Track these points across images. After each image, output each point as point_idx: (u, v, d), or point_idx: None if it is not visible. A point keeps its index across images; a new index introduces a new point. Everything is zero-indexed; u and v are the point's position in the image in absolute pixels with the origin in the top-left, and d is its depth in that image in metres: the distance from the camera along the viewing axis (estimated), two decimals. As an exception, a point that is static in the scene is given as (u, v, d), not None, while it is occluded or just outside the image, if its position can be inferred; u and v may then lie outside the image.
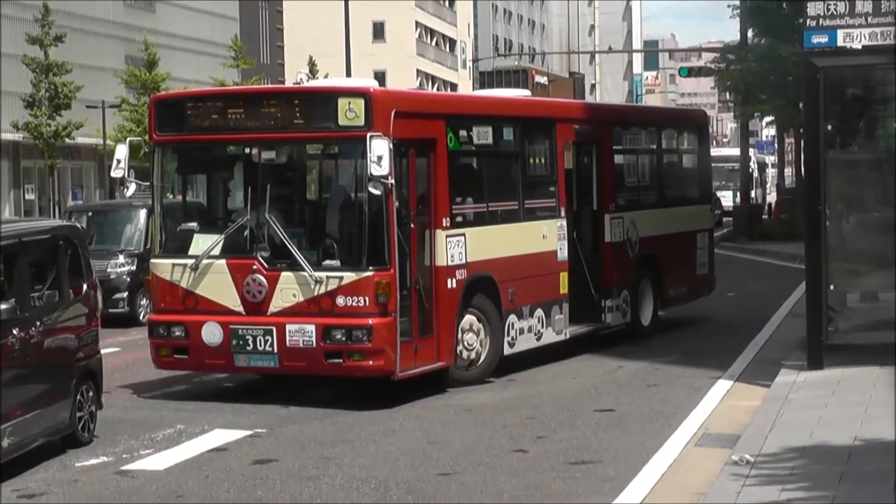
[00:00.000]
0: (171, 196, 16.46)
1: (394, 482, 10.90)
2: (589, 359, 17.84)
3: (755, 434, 11.54)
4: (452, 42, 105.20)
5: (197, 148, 15.84)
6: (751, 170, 51.70)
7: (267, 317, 14.58)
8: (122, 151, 15.41)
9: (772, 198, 61.47)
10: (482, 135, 16.53)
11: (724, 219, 47.26)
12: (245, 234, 14.95)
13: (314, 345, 14.37)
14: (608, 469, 11.19)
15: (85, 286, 13.09)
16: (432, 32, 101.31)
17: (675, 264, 20.83)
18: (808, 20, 14.62)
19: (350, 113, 14.35)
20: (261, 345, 14.58)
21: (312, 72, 59.42)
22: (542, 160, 17.91)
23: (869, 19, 14.41)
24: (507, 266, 16.33)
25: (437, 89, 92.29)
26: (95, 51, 56.78)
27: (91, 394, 12.81)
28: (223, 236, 15.05)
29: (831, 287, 14.82)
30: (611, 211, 19.07)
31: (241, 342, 14.67)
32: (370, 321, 14.22)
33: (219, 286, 14.82)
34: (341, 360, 14.35)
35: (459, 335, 15.49)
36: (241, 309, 14.70)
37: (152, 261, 15.65)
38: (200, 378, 16.61)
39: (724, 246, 37.23)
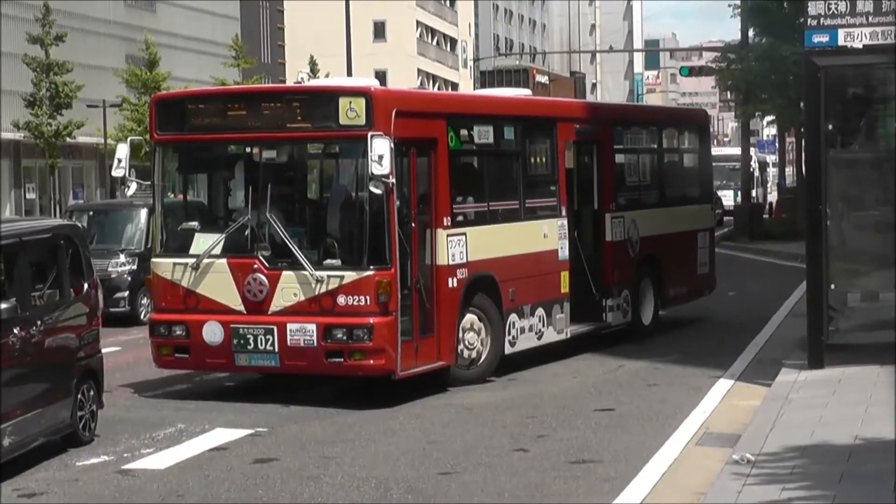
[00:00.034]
0: (172, 195, 16.47)
1: (394, 481, 10.90)
2: (589, 358, 17.84)
3: (756, 433, 11.54)
4: (453, 41, 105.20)
5: (198, 147, 15.85)
6: (752, 169, 51.67)
7: (268, 316, 14.59)
8: (122, 151, 15.41)
9: (773, 197, 61.44)
10: (483, 134, 16.53)
11: (725, 218, 47.26)
12: (246, 233, 14.96)
13: (315, 344, 14.38)
14: (608, 468, 11.19)
15: (86, 285, 13.10)
16: (433, 32, 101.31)
17: (676, 264, 20.83)
18: (808, 19, 14.62)
19: (351, 112, 14.35)
20: (262, 344, 14.58)
21: (313, 71, 59.44)
22: (543, 159, 17.91)
23: (870, 18, 14.41)
24: (507, 265, 16.34)
25: (438, 89, 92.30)
26: (96, 50, 56.79)
27: (92, 393, 12.81)
28: (224, 235, 15.06)
29: (832, 286, 14.82)
30: (612, 210, 19.07)
31: (241, 341, 14.67)
32: (371, 320, 14.22)
33: (220, 285, 14.82)
34: (342, 360, 14.36)
35: (460, 334, 15.50)
36: (241, 308, 14.71)
37: (153, 260, 15.66)
38: (201, 377, 16.62)
39: (725, 245, 37.24)
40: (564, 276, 17.61)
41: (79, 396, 12.51)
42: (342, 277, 14.33)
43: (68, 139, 49.91)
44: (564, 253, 17.64)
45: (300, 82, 16.66)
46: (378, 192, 13.99)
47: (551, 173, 17.78)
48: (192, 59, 63.30)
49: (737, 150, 51.62)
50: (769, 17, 39.46)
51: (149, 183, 15.85)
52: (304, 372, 14.99)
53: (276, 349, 14.54)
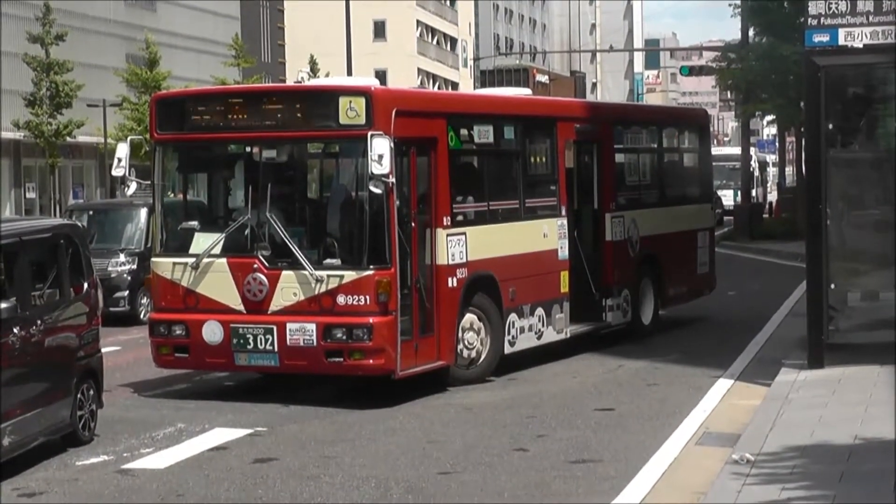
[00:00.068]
0: (172, 195, 16.47)
1: (394, 481, 10.90)
2: (589, 358, 17.84)
3: (755, 433, 11.54)
4: (453, 41, 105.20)
5: (198, 147, 15.85)
6: (752, 169, 51.68)
7: (267, 315, 14.58)
8: (122, 150, 15.41)
9: (773, 197, 61.44)
10: (483, 134, 16.53)
11: (725, 218, 47.26)
12: (246, 232, 14.96)
13: (315, 343, 14.38)
14: (608, 468, 11.19)
15: (86, 285, 13.10)
16: (433, 31, 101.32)
17: (676, 263, 20.83)
18: (809, 19, 14.62)
19: (351, 112, 14.35)
20: (261, 343, 14.58)
21: (313, 71, 59.41)
22: (543, 159, 17.92)
23: (870, 18, 14.41)
24: (507, 265, 16.34)
25: (438, 88, 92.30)
26: (96, 49, 56.79)
27: (92, 392, 12.81)
28: (224, 235, 15.06)
29: (832, 286, 14.82)
30: (611, 210, 19.07)
31: (241, 341, 14.67)
32: (371, 320, 14.22)
33: (219, 285, 14.82)
34: (342, 359, 14.36)
35: (460, 334, 15.50)
36: (241, 308, 14.71)
37: (153, 259, 15.66)
38: (201, 377, 16.62)
39: (725, 245, 37.25)
40: (564, 276, 17.61)
41: (78, 396, 12.51)
42: (342, 277, 14.33)
43: (68, 138, 49.92)
44: (564, 252, 17.64)
45: (300, 82, 16.65)
46: (378, 191, 13.99)
47: (551, 173, 17.78)
48: (192, 58, 63.30)
49: (737, 150, 51.62)
50: (769, 17, 39.46)
51: (149, 182, 15.85)
52: (303, 371, 14.99)
53: (276, 349, 14.53)
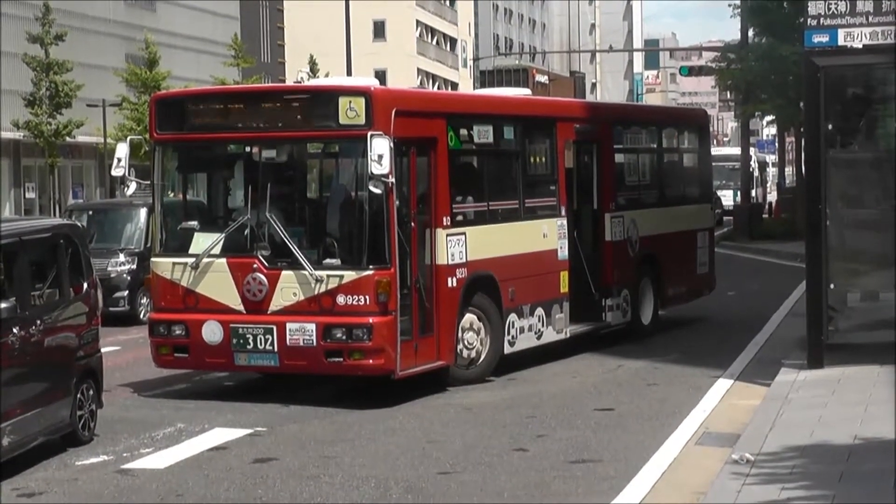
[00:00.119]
0: (172, 195, 16.47)
1: (394, 481, 10.90)
2: (589, 358, 17.84)
3: (755, 433, 11.54)
4: (453, 41, 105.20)
5: (197, 147, 15.85)
6: (751, 169, 51.69)
7: (267, 315, 14.58)
8: (122, 150, 15.41)
9: (772, 197, 61.49)
10: (483, 134, 16.53)
11: (725, 218, 47.28)
12: (245, 232, 14.96)
13: (314, 343, 14.38)
14: (608, 468, 11.19)
15: (85, 285, 13.10)
16: (433, 31, 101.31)
17: (676, 263, 20.83)
18: (808, 19, 14.62)
19: (351, 112, 14.35)
20: (261, 343, 14.58)
21: (313, 71, 59.41)
22: (543, 159, 17.92)
23: (870, 18, 14.41)
24: (507, 265, 16.34)
25: (438, 88, 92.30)
26: (96, 49, 56.78)
27: (91, 392, 12.81)
28: (224, 235, 15.06)
29: (831, 286, 14.82)
30: (611, 210, 19.07)
31: (241, 341, 14.67)
32: (370, 320, 14.22)
33: (219, 285, 14.82)
34: (342, 359, 14.36)
35: (460, 334, 15.50)
36: (241, 308, 14.71)
37: (153, 259, 15.66)
38: (201, 377, 16.62)
39: (725, 245, 37.25)
40: (564, 276, 17.61)
41: (78, 396, 12.51)
42: (342, 277, 14.33)
43: (68, 138, 49.90)
44: (564, 253, 17.64)
45: (300, 82, 16.65)
46: (378, 191, 13.99)
47: (551, 173, 17.78)
48: (191, 58, 63.30)
49: (736, 150, 51.64)
50: (769, 17, 39.46)
51: (148, 182, 15.85)
52: (303, 371, 14.99)
53: (276, 349, 14.53)
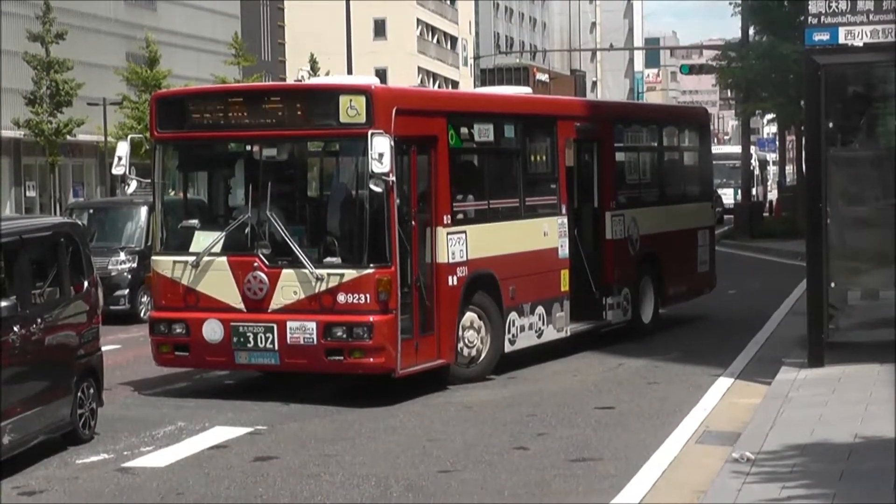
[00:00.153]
0: (173, 193, 16.47)
1: (394, 479, 10.90)
2: (589, 356, 17.84)
3: (756, 432, 11.54)
4: (454, 39, 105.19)
5: (198, 145, 15.85)
6: (752, 167, 51.70)
7: (268, 314, 14.58)
8: (123, 148, 15.40)
9: (773, 195, 61.48)
10: (483, 132, 16.53)
11: (726, 216, 47.29)
12: (246, 231, 14.96)
13: (315, 342, 14.38)
14: (608, 466, 11.19)
15: (86, 283, 13.10)
16: (433, 30, 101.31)
17: (676, 262, 20.83)
18: (809, 17, 14.62)
19: (351, 110, 14.35)
20: (262, 342, 14.58)
21: (313, 69, 59.37)
22: (544, 157, 17.92)
23: (870, 17, 14.40)
24: (508, 263, 16.34)
25: (439, 87, 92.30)
26: (97, 48, 56.79)
27: (92, 391, 12.82)
28: (224, 233, 15.06)
29: (832, 285, 14.82)
30: (612, 208, 19.07)
31: (241, 339, 14.67)
32: (371, 318, 14.22)
33: (220, 283, 14.82)
34: (342, 358, 14.35)
35: (460, 332, 15.50)
36: (241, 306, 14.71)
37: (153, 258, 15.65)
38: (201, 375, 16.63)
39: (725, 243, 37.26)
40: (564, 275, 17.61)
41: (79, 394, 12.51)
42: (342, 275, 14.32)
43: (68, 137, 49.93)
44: (564, 251, 17.64)
45: (300, 80, 16.65)
46: (378, 190, 13.99)
47: (551, 171, 17.78)
48: (192, 57, 63.30)
49: (737, 149, 51.64)
50: (770, 16, 39.46)
51: (149, 181, 15.86)
52: (303, 370, 14.99)
53: (276, 347, 14.53)
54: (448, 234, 15.24)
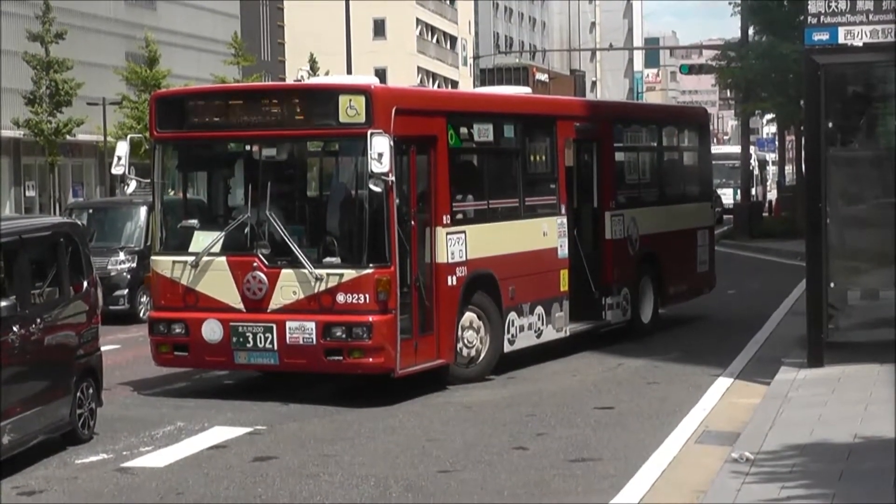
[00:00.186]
0: (172, 193, 16.46)
1: (393, 479, 10.89)
2: (589, 356, 17.84)
3: (755, 432, 11.53)
4: (453, 39, 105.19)
5: (197, 145, 15.84)
6: (751, 167, 51.74)
7: (267, 314, 14.58)
8: (122, 148, 15.40)
9: (772, 195, 61.48)
10: (483, 132, 16.52)
11: (725, 216, 47.29)
12: (245, 231, 14.96)
13: (314, 342, 14.37)
14: (608, 466, 11.19)
15: (85, 283, 13.10)
16: (433, 30, 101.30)
17: (676, 262, 20.83)
18: (809, 17, 14.61)
19: (351, 110, 14.35)
20: (261, 342, 14.58)
21: (313, 69, 59.32)
22: (543, 157, 17.91)
23: (870, 17, 14.40)
24: (507, 263, 16.33)
25: (438, 86, 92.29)
26: (96, 48, 56.79)
27: (91, 391, 12.81)
28: (224, 233, 15.06)
29: (832, 285, 14.81)
30: (611, 208, 19.07)
31: (241, 339, 14.66)
32: (370, 318, 14.21)
33: (219, 283, 14.82)
34: (341, 358, 14.35)
35: (459, 332, 15.50)
36: (241, 306, 14.70)
37: (153, 258, 15.65)
38: (200, 375, 16.62)
39: (725, 243, 37.26)
40: (564, 275, 17.61)
41: (78, 394, 12.51)
42: (341, 275, 14.32)
43: (68, 137, 49.92)
44: (564, 251, 17.64)
45: (300, 80, 16.65)
46: (378, 190, 13.98)
47: (551, 171, 17.77)
48: (192, 56, 63.30)
49: (737, 149, 51.65)
50: (769, 15, 39.47)
51: (148, 181, 15.86)
52: (303, 370, 14.99)
53: (276, 347, 14.53)
54: (447, 234, 15.24)
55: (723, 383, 15.20)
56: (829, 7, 14.45)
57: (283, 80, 67.62)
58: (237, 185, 15.80)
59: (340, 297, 14.31)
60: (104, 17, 58.70)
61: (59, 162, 51.50)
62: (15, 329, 11.40)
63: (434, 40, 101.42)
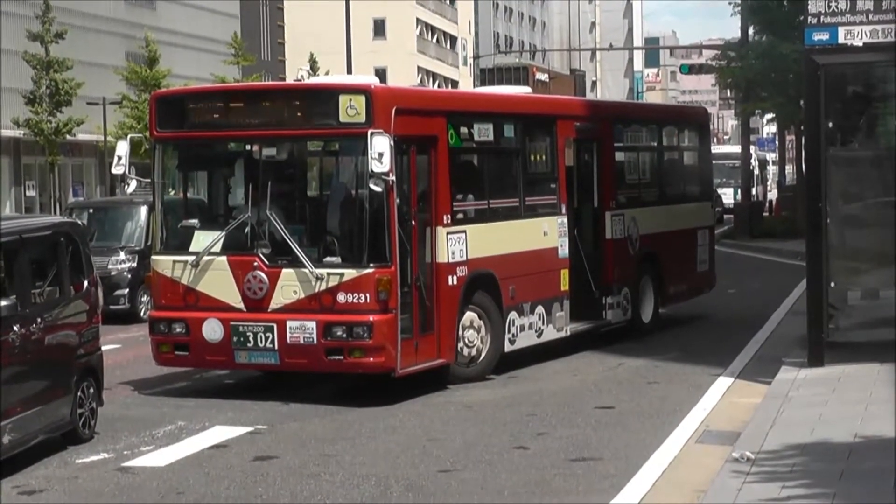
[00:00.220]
0: (172, 193, 16.46)
1: (394, 479, 10.90)
2: (589, 356, 17.84)
3: (756, 431, 11.54)
4: (453, 39, 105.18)
5: (198, 144, 15.84)
6: (752, 167, 51.74)
7: (268, 313, 14.58)
8: (122, 148, 15.41)
9: (773, 195, 61.48)
10: (483, 132, 16.53)
11: (725, 216, 47.30)
12: (246, 230, 14.96)
13: (315, 341, 14.37)
14: (608, 466, 11.19)
15: (86, 283, 13.10)
16: (433, 29, 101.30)
17: (676, 261, 20.84)
18: (809, 17, 14.62)
19: (351, 110, 14.35)
20: (261, 341, 14.58)
21: (313, 69, 59.31)
22: (543, 157, 17.91)
23: (870, 16, 14.40)
24: (507, 263, 16.34)
25: (438, 86, 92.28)
26: (96, 47, 56.78)
27: (92, 390, 12.81)
28: (224, 233, 15.06)
29: (832, 284, 14.82)
30: (612, 208, 19.07)
31: (241, 339, 14.67)
32: (371, 318, 14.22)
33: (220, 283, 14.82)
34: (342, 357, 14.35)
35: (460, 332, 15.50)
36: (241, 306, 14.71)
37: (153, 257, 15.65)
38: (201, 375, 16.62)
39: (725, 243, 37.27)
40: (564, 274, 17.61)
41: (79, 394, 12.51)
42: (342, 275, 14.32)
43: (68, 136, 49.90)
44: (564, 251, 17.64)
45: (300, 80, 16.66)
46: (378, 189, 13.98)
47: (551, 171, 17.78)
48: (192, 56, 63.29)
49: (737, 148, 51.65)
50: (769, 15, 39.48)
51: (149, 180, 15.87)
52: (303, 369, 14.99)
53: (276, 347, 14.53)
54: (448, 233, 15.24)
55: (723, 383, 15.20)
56: (829, 7, 14.45)
57: (284, 79, 67.64)
58: (237, 185, 15.80)
59: (341, 297, 14.31)
60: (104, 17, 58.70)
61: (59, 161, 51.49)
62: (15, 328, 11.41)
63: (434, 40, 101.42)
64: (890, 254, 14.88)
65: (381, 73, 72.77)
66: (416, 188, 15.10)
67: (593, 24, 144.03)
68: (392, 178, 14.02)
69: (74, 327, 12.69)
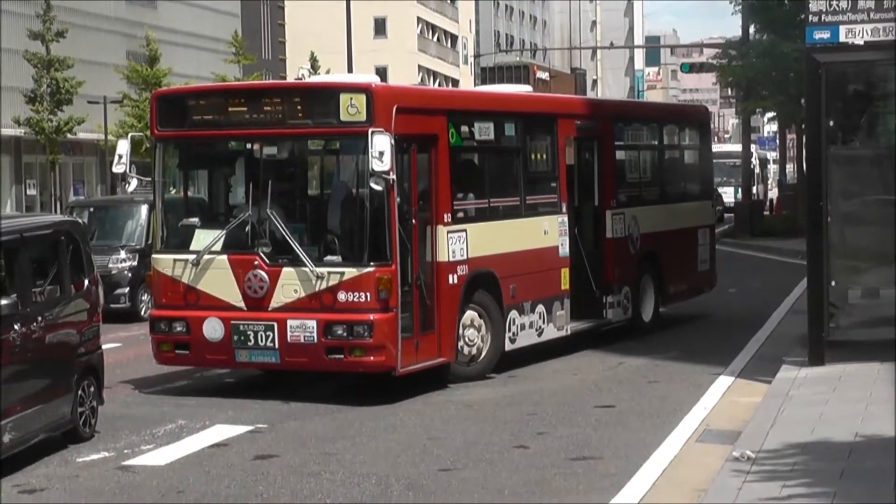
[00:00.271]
0: (173, 191, 16.47)
1: (394, 478, 10.90)
2: (590, 355, 17.84)
3: (756, 430, 11.53)
4: (454, 38, 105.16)
5: (198, 143, 15.85)
6: (752, 166, 51.78)
7: (268, 312, 14.58)
8: (123, 147, 15.41)
9: (773, 194, 61.53)
10: (484, 130, 16.53)
11: (726, 215, 47.30)
12: (246, 229, 14.96)
13: (315, 340, 14.37)
14: (609, 465, 11.19)
15: (86, 281, 13.10)
16: (434, 28, 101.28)
17: (677, 260, 20.83)
18: (810, 16, 14.61)
19: (352, 108, 14.35)
20: (262, 340, 14.58)
21: (314, 68, 59.36)
22: (544, 156, 17.91)
23: (871, 15, 14.40)
24: (508, 262, 16.33)
25: (439, 85, 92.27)
26: (97, 46, 56.75)
27: (92, 389, 12.81)
28: (225, 232, 15.06)
29: (833, 283, 14.82)
30: (612, 207, 19.07)
31: (242, 337, 14.67)
32: (371, 317, 14.22)
33: (220, 281, 14.82)
34: (342, 356, 14.35)
35: (460, 331, 15.50)
36: (242, 304, 14.71)
37: (154, 256, 15.66)
38: (201, 373, 16.63)
39: (726, 242, 37.25)
40: (565, 273, 17.61)
41: (79, 392, 12.51)
42: (342, 274, 14.32)
43: (69, 135, 49.89)
44: (565, 249, 17.64)
45: (301, 79, 16.65)
46: (378, 188, 13.98)
47: (552, 170, 17.77)
48: (192, 55, 63.26)
49: (737, 147, 51.71)
50: (770, 14, 39.48)
51: (149, 179, 15.87)
52: (304, 368, 14.99)
53: (277, 345, 14.53)
54: (448, 232, 15.24)
55: (724, 382, 15.19)
56: (830, 5, 14.45)
57: (284, 78, 67.61)
58: (238, 184, 15.81)
59: (341, 296, 14.31)
60: (105, 16, 58.67)
61: (60, 160, 51.48)
62: (16, 327, 11.41)
63: (435, 39, 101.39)
64: (890, 253, 14.87)
65: (381, 72, 72.80)
66: (417, 187, 15.09)
67: (594, 22, 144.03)
68: (393, 176, 14.02)
69: (75, 326, 12.69)
